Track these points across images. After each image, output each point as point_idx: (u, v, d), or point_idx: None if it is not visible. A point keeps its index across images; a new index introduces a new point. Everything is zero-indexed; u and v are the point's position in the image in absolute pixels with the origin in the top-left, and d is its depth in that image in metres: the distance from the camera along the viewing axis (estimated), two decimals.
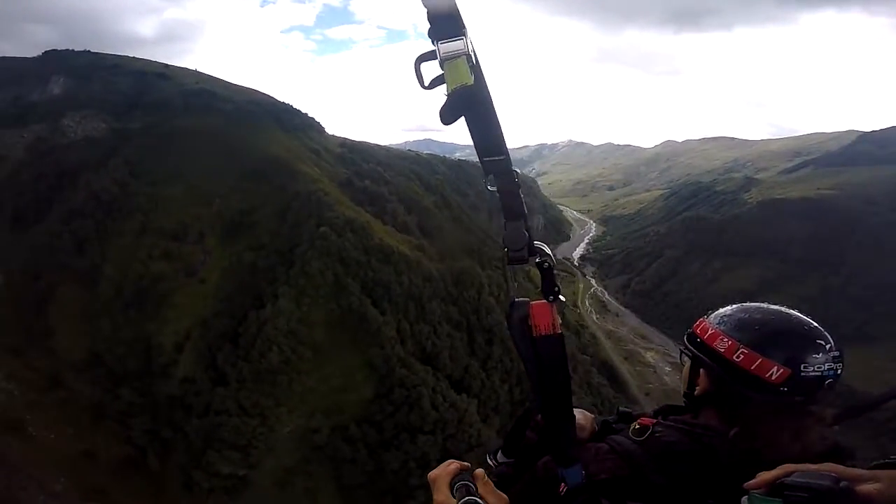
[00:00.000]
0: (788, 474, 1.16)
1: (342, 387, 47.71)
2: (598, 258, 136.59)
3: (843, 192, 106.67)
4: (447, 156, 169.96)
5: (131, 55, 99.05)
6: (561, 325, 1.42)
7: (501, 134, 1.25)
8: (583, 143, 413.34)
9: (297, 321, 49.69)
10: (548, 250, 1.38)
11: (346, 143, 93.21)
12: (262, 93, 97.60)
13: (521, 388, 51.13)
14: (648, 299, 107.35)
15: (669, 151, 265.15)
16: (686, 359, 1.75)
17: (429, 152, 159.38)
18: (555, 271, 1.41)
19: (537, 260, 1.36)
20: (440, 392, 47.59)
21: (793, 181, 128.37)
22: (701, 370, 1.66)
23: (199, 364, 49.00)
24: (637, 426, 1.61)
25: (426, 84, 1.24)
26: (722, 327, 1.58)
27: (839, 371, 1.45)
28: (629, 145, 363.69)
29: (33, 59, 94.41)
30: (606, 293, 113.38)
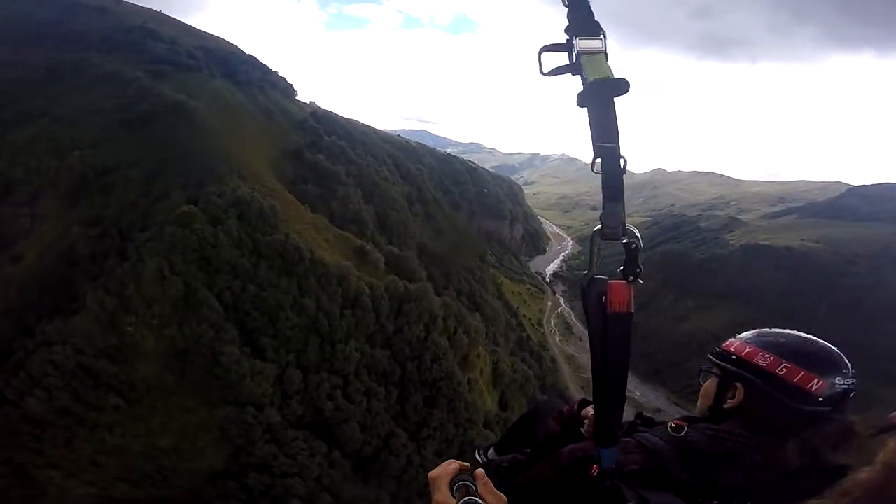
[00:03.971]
0: None
1: (173, 448, 33.14)
2: (570, 277, 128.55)
3: (827, 248, 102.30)
4: (438, 149, 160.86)
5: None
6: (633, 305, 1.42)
7: (617, 124, 1.33)
8: (575, 159, 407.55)
9: (93, 354, 32.76)
10: (637, 233, 1.40)
11: (316, 112, 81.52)
12: (225, 40, 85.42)
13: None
14: None
15: (658, 180, 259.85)
16: (708, 376, 1.81)
17: (419, 142, 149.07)
18: (638, 253, 1.42)
19: (625, 241, 1.38)
20: (328, 479, 34.34)
21: (776, 228, 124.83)
22: (738, 385, 1.68)
23: None
24: (673, 425, 1.66)
25: (545, 72, 1.39)
26: (759, 346, 1.66)
27: (856, 386, 1.57)
28: None
29: None
30: (573, 314, 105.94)
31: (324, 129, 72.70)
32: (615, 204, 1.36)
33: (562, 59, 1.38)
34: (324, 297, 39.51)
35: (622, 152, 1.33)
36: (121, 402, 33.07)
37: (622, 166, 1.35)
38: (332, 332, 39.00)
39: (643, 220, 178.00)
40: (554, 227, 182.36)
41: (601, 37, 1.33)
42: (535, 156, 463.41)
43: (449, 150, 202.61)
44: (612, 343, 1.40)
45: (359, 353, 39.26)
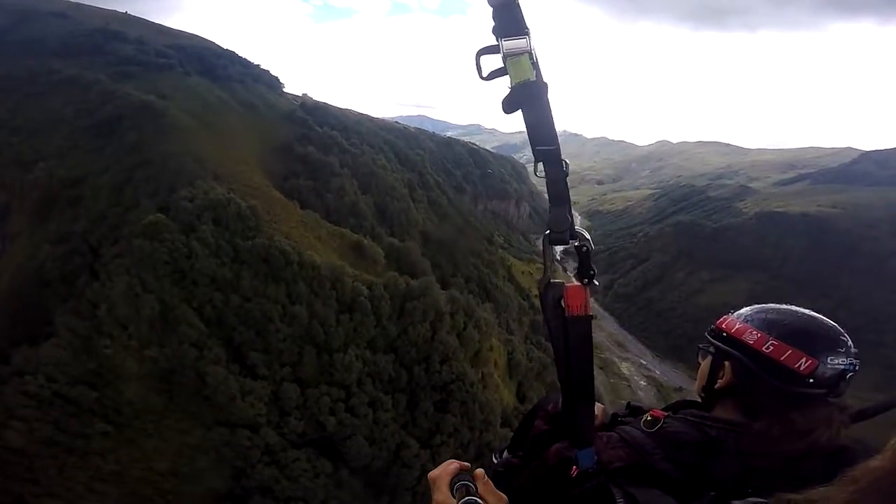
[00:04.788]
0: None
1: (171, 471, 29.71)
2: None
3: (845, 212, 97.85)
4: (438, 133, 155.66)
5: (116, 10, 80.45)
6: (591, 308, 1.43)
7: (554, 126, 1.30)
8: (577, 135, 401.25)
9: (68, 382, 28.82)
10: (587, 235, 1.38)
11: (306, 103, 76.05)
12: (200, 37, 79.71)
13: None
14: (630, 304, 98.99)
15: (663, 151, 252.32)
16: (705, 355, 1.73)
17: (417, 127, 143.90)
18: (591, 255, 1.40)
19: (576, 244, 1.37)
20: (335, 502, 31.10)
21: (790, 195, 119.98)
22: (726, 363, 1.62)
23: None
24: (649, 417, 1.59)
25: (485, 76, 1.32)
26: (750, 322, 1.58)
27: (857, 367, 1.47)
28: (623, 141, 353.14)
29: None
30: None
31: (314, 120, 67.33)
32: (560, 208, 1.32)
33: (500, 60, 1.29)
34: (317, 303, 35.33)
35: (561, 155, 1.30)
36: (109, 427, 29.45)
37: (564, 169, 1.31)
38: (328, 340, 34.91)
39: (651, 192, 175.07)
40: None
41: (525, 35, 1.24)
42: None
43: (449, 134, 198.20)
44: (574, 346, 1.38)
45: (360, 361, 35.18)
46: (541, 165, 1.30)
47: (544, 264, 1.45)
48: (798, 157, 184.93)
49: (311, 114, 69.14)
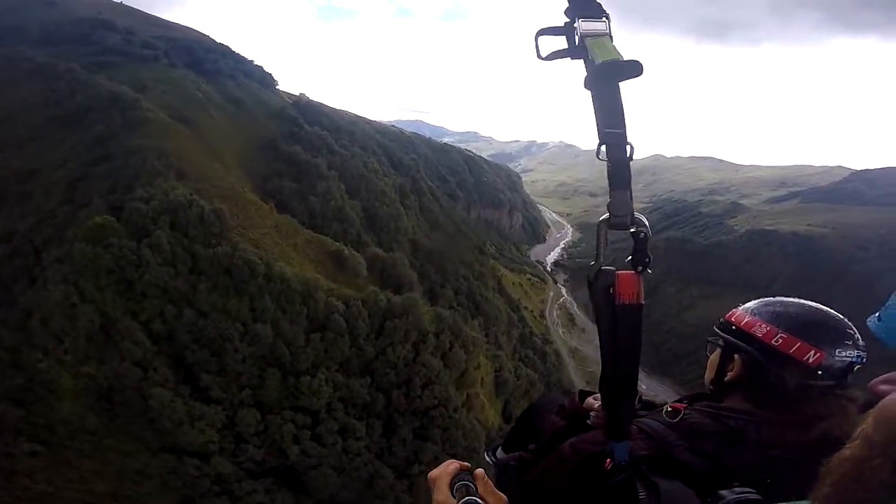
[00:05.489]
0: None
1: (112, 493, 26.37)
2: (571, 266, 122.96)
3: (835, 232, 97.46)
4: (434, 138, 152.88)
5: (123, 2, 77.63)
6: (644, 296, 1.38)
7: (623, 109, 1.27)
8: (572, 146, 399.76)
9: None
10: (645, 221, 1.32)
11: (299, 101, 72.23)
12: (194, 30, 76.74)
13: None
14: None
15: (657, 165, 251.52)
16: (714, 348, 1.72)
17: (414, 132, 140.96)
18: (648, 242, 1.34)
19: (633, 230, 1.32)
20: None
21: (780, 213, 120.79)
22: (736, 356, 1.61)
23: None
24: (669, 409, 1.58)
25: (544, 56, 1.31)
26: (759, 316, 1.57)
27: (864, 359, 1.47)
28: None
29: None
30: (575, 305, 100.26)
31: (305, 118, 64.09)
32: (623, 192, 1.28)
33: (560, 43, 1.29)
34: (284, 321, 31.65)
35: (629, 139, 1.26)
36: (38, 447, 25.75)
37: (629, 153, 1.27)
38: (295, 361, 31.31)
39: (643, 206, 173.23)
40: (553, 214, 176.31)
41: (604, 19, 1.25)
42: (531, 143, 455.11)
43: (445, 140, 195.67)
44: (623, 335, 1.34)
45: (330, 385, 31.57)
46: (603, 148, 1.24)
47: (597, 250, 1.35)
48: (789, 174, 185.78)
49: (303, 112, 65.74)
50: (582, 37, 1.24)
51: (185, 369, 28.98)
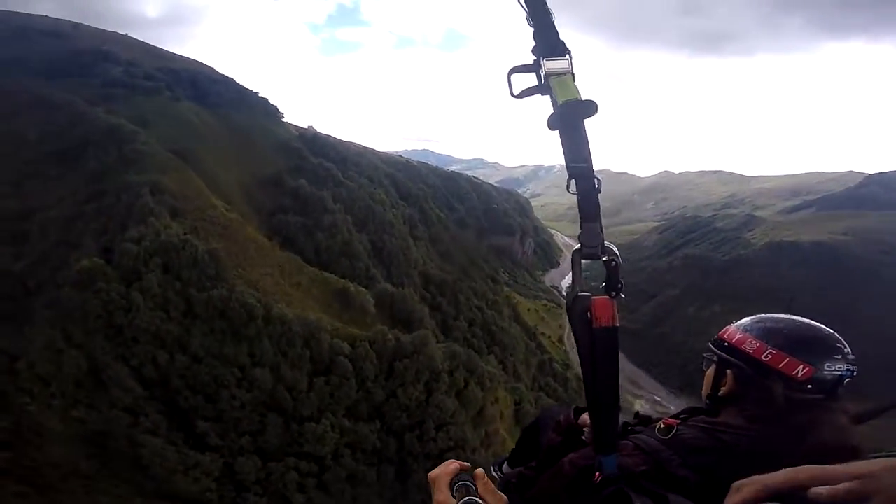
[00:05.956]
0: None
1: None
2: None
3: (857, 238, 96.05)
4: (441, 167, 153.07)
5: (129, 34, 79.58)
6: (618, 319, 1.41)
7: (588, 144, 1.33)
8: None
9: None
10: (615, 250, 1.37)
11: (306, 134, 71.47)
12: (198, 62, 77.03)
13: None
14: (641, 340, 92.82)
15: (666, 182, 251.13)
16: (710, 364, 1.75)
17: (421, 161, 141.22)
18: (620, 270, 1.41)
19: (604, 258, 1.37)
20: None
21: (797, 222, 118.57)
22: (728, 372, 1.65)
23: None
24: (662, 425, 1.62)
25: (516, 94, 1.36)
26: (749, 332, 1.61)
27: (855, 372, 1.50)
28: (626, 173, 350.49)
29: None
30: None
31: (312, 151, 63.79)
32: (593, 224, 1.34)
33: (532, 79, 1.33)
34: (284, 365, 30.07)
35: (595, 172, 1.32)
36: (27, 489, 24.00)
37: (596, 186, 1.32)
38: (297, 406, 29.68)
39: (656, 224, 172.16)
40: (565, 237, 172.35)
41: (567, 57, 1.30)
42: (538, 167, 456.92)
43: (453, 168, 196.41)
44: (600, 356, 1.37)
45: (336, 431, 29.72)
46: (573, 182, 1.30)
47: (573, 278, 1.41)
48: (801, 182, 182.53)
49: (309, 144, 65.30)
50: (546, 76, 1.27)
51: (178, 416, 27.37)
